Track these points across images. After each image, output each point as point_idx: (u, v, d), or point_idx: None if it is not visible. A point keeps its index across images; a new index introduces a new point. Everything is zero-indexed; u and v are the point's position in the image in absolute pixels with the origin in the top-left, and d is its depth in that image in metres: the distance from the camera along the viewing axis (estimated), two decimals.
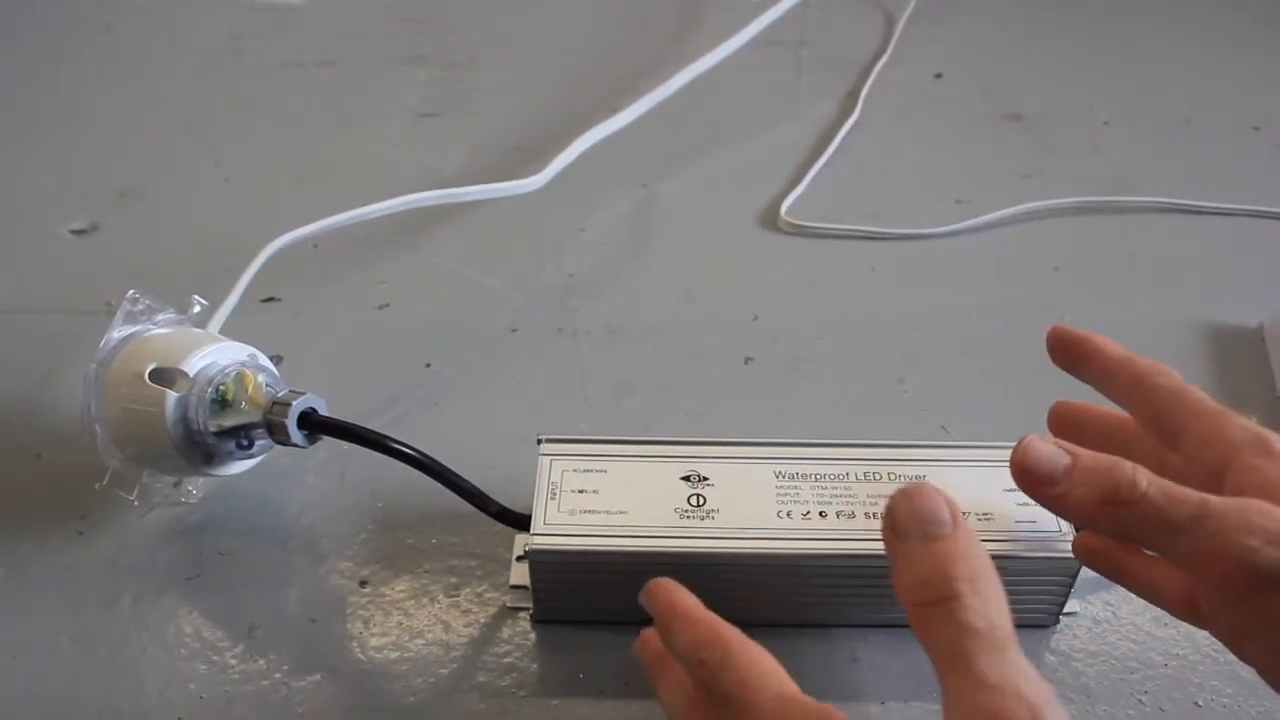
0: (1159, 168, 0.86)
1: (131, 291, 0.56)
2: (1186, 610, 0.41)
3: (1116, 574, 0.45)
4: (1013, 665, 0.31)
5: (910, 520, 0.35)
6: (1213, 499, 0.35)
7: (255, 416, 0.53)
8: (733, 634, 0.38)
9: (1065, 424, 0.48)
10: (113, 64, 1.01)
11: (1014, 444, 0.52)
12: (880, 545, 0.47)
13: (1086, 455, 0.38)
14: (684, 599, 0.40)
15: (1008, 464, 0.50)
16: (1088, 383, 0.46)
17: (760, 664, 0.37)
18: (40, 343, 0.69)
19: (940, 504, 0.35)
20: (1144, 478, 0.36)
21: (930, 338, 0.69)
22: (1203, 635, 0.52)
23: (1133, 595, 0.53)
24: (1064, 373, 0.67)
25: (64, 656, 0.51)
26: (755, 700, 0.35)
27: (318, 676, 0.50)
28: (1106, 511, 0.36)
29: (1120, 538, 0.39)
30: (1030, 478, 0.39)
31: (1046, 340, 0.46)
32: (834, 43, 1.02)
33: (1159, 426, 0.43)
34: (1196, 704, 0.49)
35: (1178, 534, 0.35)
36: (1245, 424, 0.39)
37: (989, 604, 0.32)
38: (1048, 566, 0.49)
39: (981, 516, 0.49)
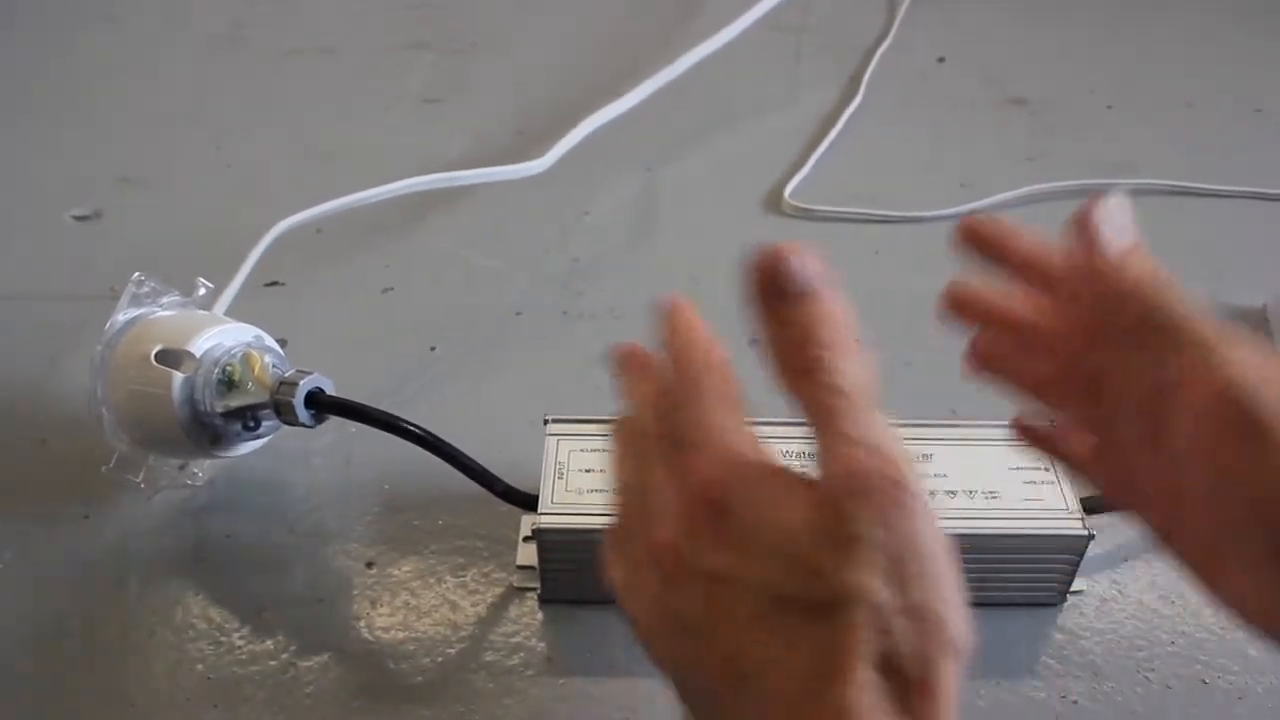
0: (1162, 150, 0.86)
1: (137, 274, 0.56)
2: (1122, 494, 0.39)
3: (1053, 453, 0.43)
4: (878, 425, 0.32)
5: (781, 280, 0.34)
6: None
7: (262, 397, 0.53)
8: (722, 360, 0.38)
9: (962, 306, 0.45)
10: (115, 51, 1.00)
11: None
12: None
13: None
14: (696, 321, 0.40)
15: (1015, 443, 0.50)
16: (1002, 276, 0.43)
17: (731, 390, 0.37)
18: (45, 328, 0.69)
19: (808, 263, 0.34)
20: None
21: (934, 321, 0.69)
22: (1209, 613, 0.52)
23: (1140, 574, 0.53)
24: None
25: (72, 638, 0.51)
26: (711, 412, 0.36)
27: (325, 657, 0.51)
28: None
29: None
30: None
31: (956, 230, 0.43)
32: (836, 27, 1.01)
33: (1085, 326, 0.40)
34: (1203, 681, 0.49)
35: None
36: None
37: (856, 367, 0.33)
38: (1055, 545, 0.49)
39: (989, 494, 0.49)
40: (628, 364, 0.41)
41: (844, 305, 0.34)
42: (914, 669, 0.29)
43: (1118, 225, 0.38)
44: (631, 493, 0.37)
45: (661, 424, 0.36)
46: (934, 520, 0.30)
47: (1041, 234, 0.42)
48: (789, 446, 0.51)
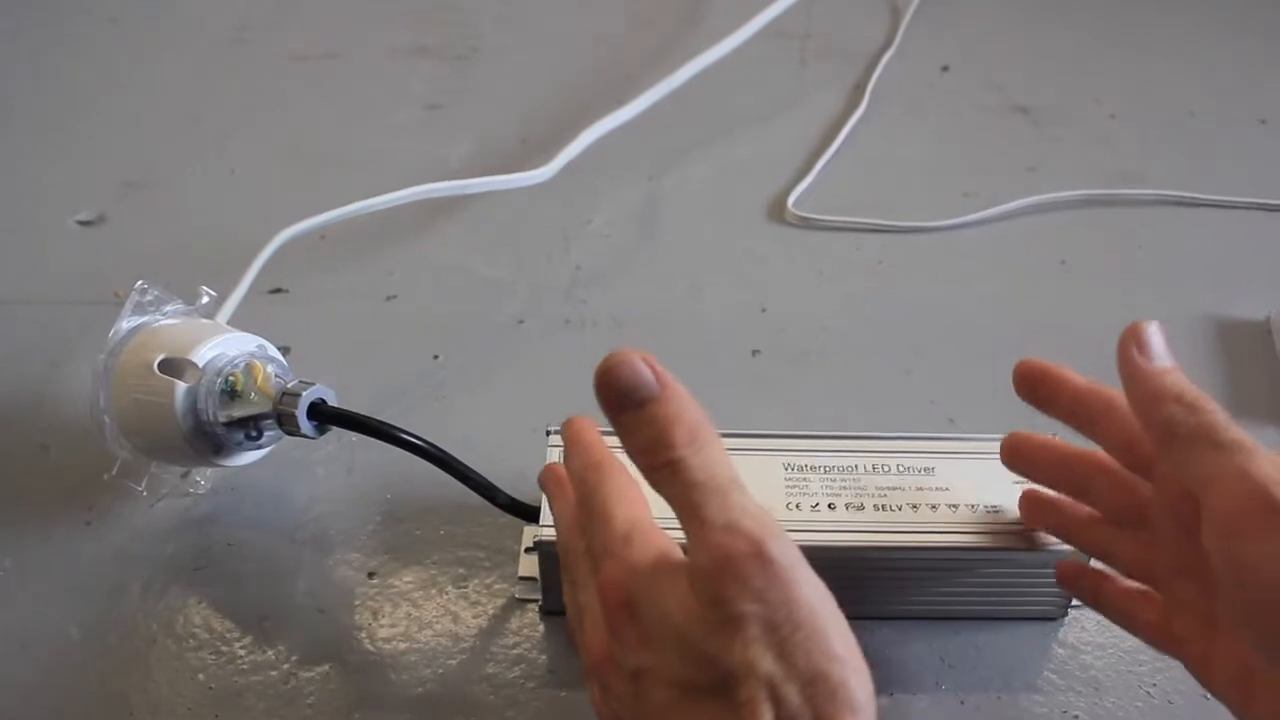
0: (1165, 160, 0.85)
1: (140, 282, 0.56)
2: (1161, 636, 0.43)
3: (1095, 600, 0.46)
4: (735, 506, 0.33)
5: (621, 392, 0.36)
6: None
7: (265, 407, 0.53)
8: (615, 464, 0.40)
9: (1018, 460, 0.48)
10: (118, 55, 1.01)
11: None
12: (890, 537, 0.48)
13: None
14: (589, 432, 0.42)
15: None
16: (1056, 418, 0.45)
17: (629, 491, 0.39)
18: (48, 334, 0.69)
19: (642, 370, 0.36)
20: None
21: (938, 330, 0.69)
22: None
23: None
24: (1070, 363, 0.67)
25: (72, 647, 0.51)
26: (612, 520, 0.38)
27: (326, 667, 0.50)
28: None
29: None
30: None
31: (1013, 375, 0.46)
32: (840, 35, 1.01)
33: (1130, 454, 0.43)
34: (1205, 697, 0.49)
35: None
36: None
37: (708, 457, 0.35)
38: (1057, 558, 0.49)
39: (991, 509, 0.49)
40: (550, 485, 0.45)
41: (685, 396, 0.36)
42: None
43: (1156, 347, 0.41)
44: (573, 610, 0.40)
45: (581, 539, 0.39)
46: (809, 580, 0.32)
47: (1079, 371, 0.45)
48: (788, 459, 0.51)
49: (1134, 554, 0.44)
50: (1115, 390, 0.42)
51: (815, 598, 0.32)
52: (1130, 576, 0.44)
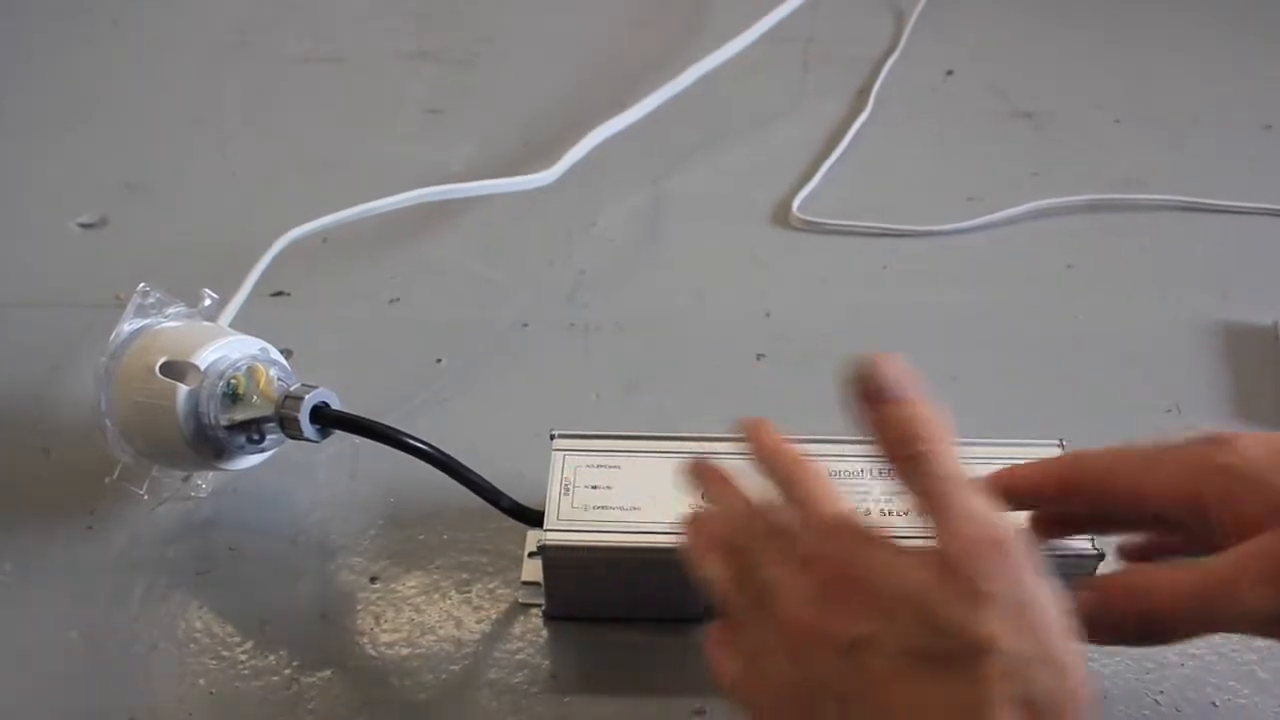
0: (1170, 166, 0.85)
1: (142, 285, 0.56)
2: None
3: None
4: (978, 500, 0.36)
5: (883, 385, 0.40)
6: None
7: (267, 410, 0.52)
8: (807, 460, 0.43)
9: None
10: (120, 57, 1.00)
11: (1030, 441, 0.52)
12: (898, 541, 0.47)
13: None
14: (773, 431, 0.45)
15: (1020, 461, 0.50)
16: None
17: (826, 480, 0.42)
18: (49, 337, 0.68)
19: (903, 369, 0.40)
20: None
21: (943, 335, 0.69)
22: (1219, 635, 0.51)
23: None
24: (1076, 369, 0.67)
25: (73, 651, 0.51)
26: (820, 501, 0.40)
27: (328, 672, 0.50)
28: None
29: None
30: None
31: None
32: (844, 40, 1.01)
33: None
34: (1213, 704, 0.49)
35: None
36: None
37: (953, 455, 0.38)
38: (1064, 564, 0.49)
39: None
40: (708, 477, 0.45)
41: (935, 407, 0.39)
42: (1050, 714, 0.32)
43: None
44: (741, 587, 0.40)
45: (769, 521, 0.41)
46: (1044, 576, 0.34)
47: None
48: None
49: None
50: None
51: (1049, 593, 0.34)
52: None
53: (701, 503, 0.45)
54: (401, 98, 0.94)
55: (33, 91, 0.96)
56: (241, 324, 0.59)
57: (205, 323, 0.58)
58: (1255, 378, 0.66)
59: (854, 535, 0.38)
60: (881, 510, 0.49)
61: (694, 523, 0.42)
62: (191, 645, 0.51)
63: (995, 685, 0.32)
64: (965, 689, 0.32)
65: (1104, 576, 0.43)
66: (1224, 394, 0.65)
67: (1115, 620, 0.40)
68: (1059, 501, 0.46)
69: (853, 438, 0.52)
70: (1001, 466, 0.50)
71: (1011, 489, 0.45)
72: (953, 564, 0.34)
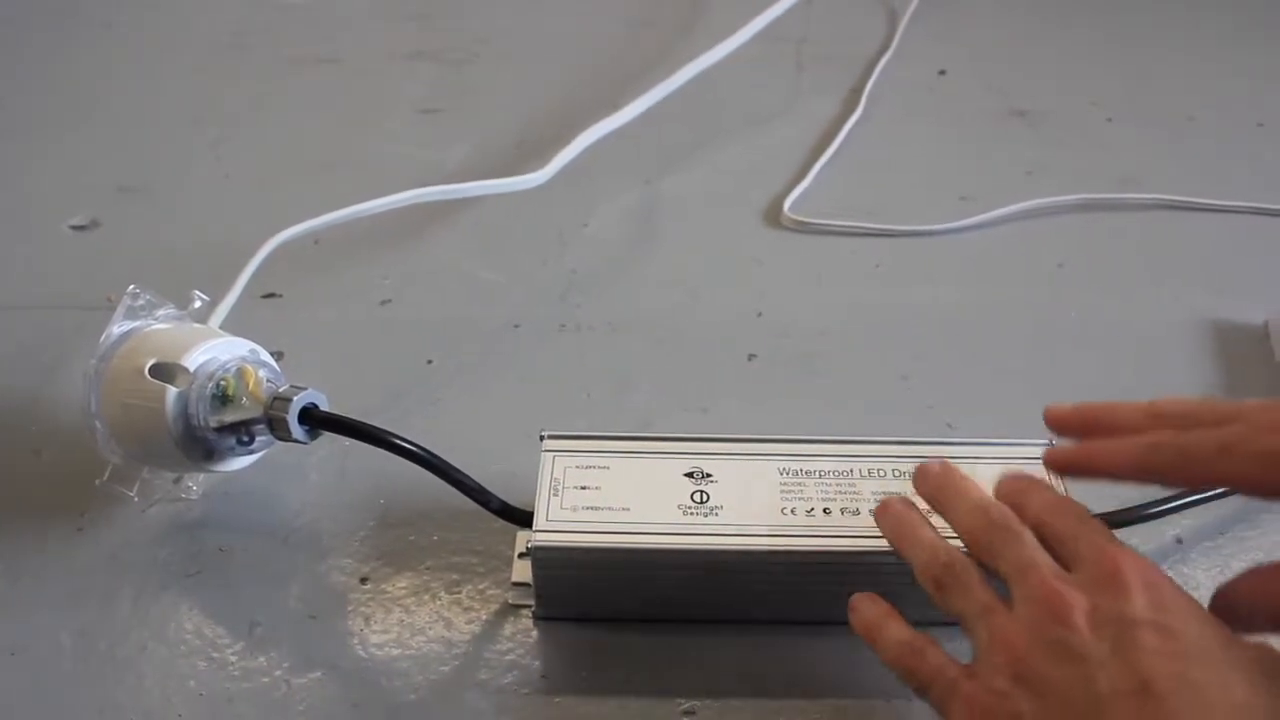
0: (1163, 164, 0.85)
1: (132, 287, 0.56)
2: None
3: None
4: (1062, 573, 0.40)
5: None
6: None
7: (256, 412, 0.52)
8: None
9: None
10: (114, 59, 1.00)
11: (1020, 440, 0.52)
12: (883, 542, 0.47)
13: None
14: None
15: (1013, 461, 0.51)
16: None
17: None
18: (40, 338, 0.68)
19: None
20: None
21: (935, 334, 0.69)
22: None
23: None
24: (1068, 368, 0.67)
25: (64, 653, 0.51)
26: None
27: (318, 674, 0.50)
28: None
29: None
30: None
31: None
32: (837, 39, 1.01)
33: None
34: None
35: None
36: None
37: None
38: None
39: None
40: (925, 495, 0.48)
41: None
42: None
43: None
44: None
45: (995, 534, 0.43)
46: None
47: None
48: (784, 464, 0.51)
49: None
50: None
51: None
52: None
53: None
54: (396, 98, 0.94)
55: (25, 93, 0.96)
56: (233, 325, 0.59)
57: (195, 324, 0.57)
58: (1246, 376, 0.66)
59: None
60: (872, 510, 0.49)
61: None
62: (182, 646, 0.51)
63: None
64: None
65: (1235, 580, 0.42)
66: (1215, 392, 0.65)
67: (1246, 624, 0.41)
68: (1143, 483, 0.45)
69: (842, 438, 0.53)
70: (993, 467, 0.51)
71: (1097, 469, 0.44)
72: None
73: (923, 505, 0.47)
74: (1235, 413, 0.41)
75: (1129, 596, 0.38)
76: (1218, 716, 0.35)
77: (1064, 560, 0.41)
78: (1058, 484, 0.48)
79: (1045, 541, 0.42)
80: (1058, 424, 0.46)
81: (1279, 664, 0.37)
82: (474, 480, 0.52)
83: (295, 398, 0.52)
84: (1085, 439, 0.45)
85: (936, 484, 0.46)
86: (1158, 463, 0.41)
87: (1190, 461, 0.40)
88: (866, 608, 0.45)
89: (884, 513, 0.47)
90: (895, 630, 0.43)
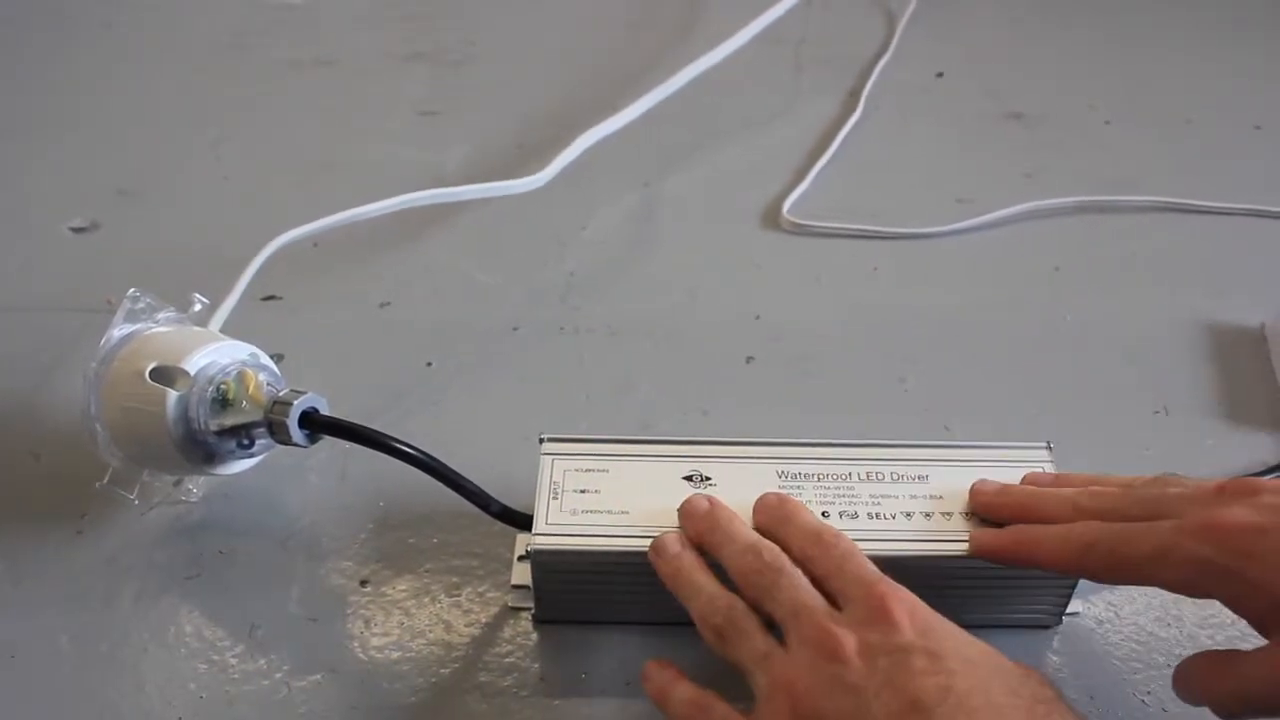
0: (1160, 167, 0.85)
1: (132, 290, 0.56)
2: None
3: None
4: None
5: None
6: None
7: (256, 416, 0.52)
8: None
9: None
10: (113, 61, 1.00)
11: (1018, 443, 0.52)
12: (883, 546, 0.48)
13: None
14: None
15: (1010, 464, 0.51)
16: None
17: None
18: (40, 341, 0.68)
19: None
20: None
21: (933, 337, 0.69)
22: (1206, 635, 0.52)
23: (1136, 596, 0.53)
24: (1065, 370, 0.67)
25: (64, 656, 0.51)
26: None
27: (318, 676, 0.50)
28: None
29: None
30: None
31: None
32: (835, 41, 1.01)
33: None
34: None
35: None
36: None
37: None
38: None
39: (985, 517, 0.49)
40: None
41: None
42: None
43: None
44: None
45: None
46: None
47: None
48: (782, 467, 0.51)
49: None
50: None
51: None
52: None
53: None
54: (395, 100, 0.94)
55: (25, 96, 0.96)
56: (233, 328, 0.59)
57: (195, 328, 0.57)
58: (1243, 379, 0.66)
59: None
60: (870, 514, 0.49)
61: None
62: (182, 649, 0.51)
63: None
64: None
65: (1188, 660, 0.44)
66: (1212, 395, 0.65)
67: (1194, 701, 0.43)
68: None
69: (840, 441, 0.53)
70: (990, 470, 0.51)
71: (1030, 561, 0.46)
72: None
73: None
74: (1159, 502, 0.43)
75: (897, 628, 0.40)
76: (981, 718, 0.37)
77: (831, 595, 0.43)
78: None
79: (811, 576, 0.44)
80: (984, 508, 0.49)
81: (1033, 677, 0.40)
82: (473, 484, 0.52)
83: (295, 402, 0.52)
84: (1013, 523, 0.47)
85: (706, 525, 0.47)
86: (1091, 563, 0.44)
87: (1123, 565, 0.43)
88: (655, 673, 0.45)
89: (659, 555, 0.47)
90: (682, 690, 0.44)
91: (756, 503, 0.48)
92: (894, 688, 0.38)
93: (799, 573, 0.44)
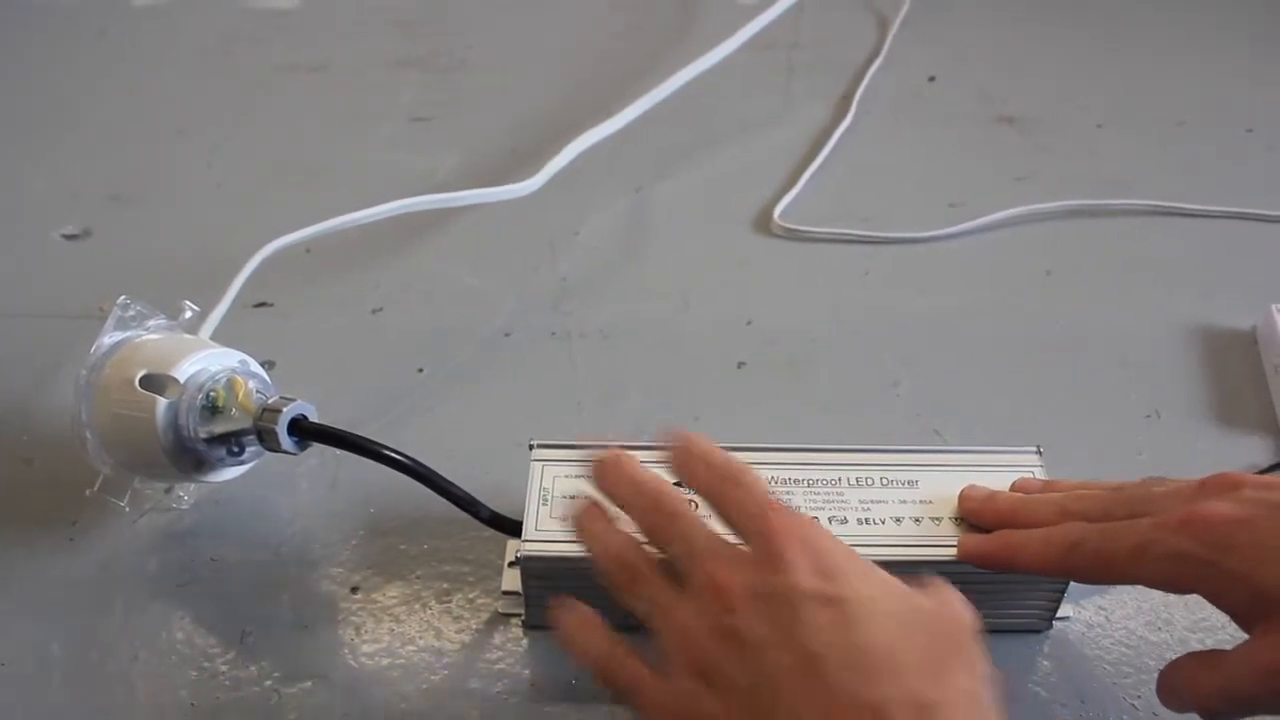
0: (1152, 170, 0.86)
1: (123, 297, 0.56)
2: None
3: None
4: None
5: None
6: None
7: (246, 423, 0.52)
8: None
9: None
10: (105, 67, 1.00)
11: (1008, 448, 0.53)
12: (873, 551, 0.48)
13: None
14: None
15: (1001, 469, 0.51)
16: None
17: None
18: (31, 347, 0.68)
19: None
20: None
21: (924, 341, 0.69)
22: (1196, 639, 0.52)
23: (1126, 600, 0.53)
24: (1057, 374, 0.67)
25: (54, 663, 0.51)
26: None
27: (309, 683, 0.50)
28: None
29: None
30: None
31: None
32: (827, 46, 1.01)
33: None
34: None
35: None
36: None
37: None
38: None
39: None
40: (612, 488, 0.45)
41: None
42: None
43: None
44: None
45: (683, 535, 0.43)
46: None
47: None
48: (772, 472, 0.51)
49: None
50: None
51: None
52: None
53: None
54: (386, 106, 0.94)
55: (17, 101, 0.96)
56: (224, 335, 0.59)
57: (186, 335, 0.58)
58: (1235, 382, 0.66)
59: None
60: (859, 519, 0.49)
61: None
62: (173, 656, 0.51)
63: None
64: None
65: (1171, 665, 0.44)
66: (1204, 399, 0.65)
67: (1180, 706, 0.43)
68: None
69: (831, 446, 0.53)
70: (981, 475, 0.51)
71: (1015, 565, 0.46)
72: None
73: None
74: (1145, 502, 0.43)
75: (792, 568, 0.38)
76: (881, 676, 0.35)
77: (734, 532, 0.41)
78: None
79: (717, 512, 0.41)
80: (972, 514, 0.49)
81: (944, 612, 0.39)
82: (463, 490, 0.52)
83: (284, 409, 0.52)
84: (1000, 528, 0.47)
85: (611, 476, 0.44)
86: (1075, 563, 0.44)
87: (1106, 563, 0.43)
88: (573, 622, 0.43)
89: (575, 518, 0.45)
90: (599, 641, 0.42)
91: (659, 437, 0.45)
92: (789, 639, 0.37)
93: (695, 514, 0.42)
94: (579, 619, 0.43)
